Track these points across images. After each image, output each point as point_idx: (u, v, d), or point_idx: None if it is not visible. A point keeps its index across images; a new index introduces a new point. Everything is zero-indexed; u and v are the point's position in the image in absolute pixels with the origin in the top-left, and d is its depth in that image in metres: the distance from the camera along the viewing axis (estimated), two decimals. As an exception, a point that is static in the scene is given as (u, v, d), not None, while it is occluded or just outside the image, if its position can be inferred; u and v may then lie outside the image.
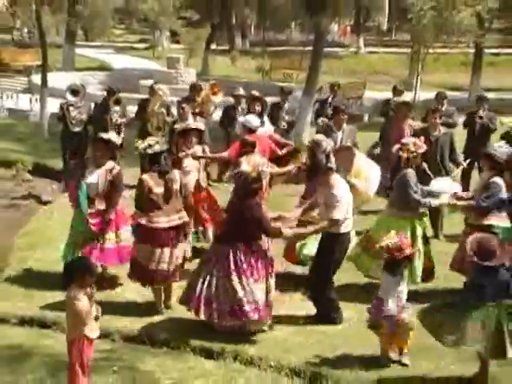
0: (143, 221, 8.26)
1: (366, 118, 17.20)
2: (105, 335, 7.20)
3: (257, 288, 7.69)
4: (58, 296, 7.36)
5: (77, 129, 13.39)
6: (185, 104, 12.67)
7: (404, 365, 7.21)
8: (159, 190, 8.32)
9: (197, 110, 13.33)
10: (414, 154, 8.96)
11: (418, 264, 8.71)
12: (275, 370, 7.13)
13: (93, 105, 14.07)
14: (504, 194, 8.84)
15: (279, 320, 8.13)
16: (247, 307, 7.61)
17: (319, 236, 8.39)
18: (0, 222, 11.69)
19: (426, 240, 8.99)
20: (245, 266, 7.69)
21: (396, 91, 14.88)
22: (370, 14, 50.82)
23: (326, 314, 8.23)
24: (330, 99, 15.42)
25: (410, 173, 8.89)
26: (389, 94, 15.36)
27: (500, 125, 13.05)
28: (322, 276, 8.20)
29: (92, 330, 6.35)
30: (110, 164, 9.03)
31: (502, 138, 11.70)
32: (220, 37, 40.75)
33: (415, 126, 12.42)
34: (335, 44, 42.55)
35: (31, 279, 9.19)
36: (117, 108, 13.50)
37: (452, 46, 28.35)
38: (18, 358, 7.29)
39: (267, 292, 7.81)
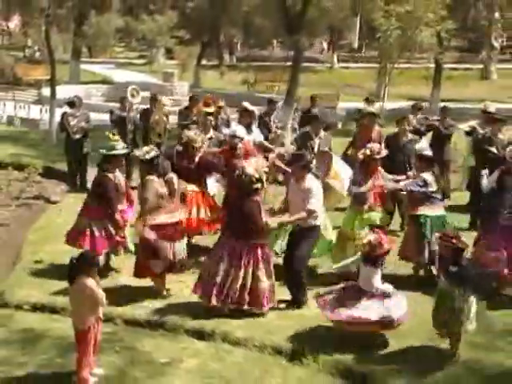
0: (149, 219, 8.26)
1: (339, 125, 17.26)
2: (108, 319, 7.18)
3: (259, 277, 7.77)
4: (67, 284, 7.32)
5: (77, 136, 13.40)
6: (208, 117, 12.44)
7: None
8: (163, 190, 8.35)
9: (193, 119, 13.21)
10: (373, 157, 9.00)
11: None
12: (259, 350, 7.15)
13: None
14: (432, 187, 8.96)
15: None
16: (250, 295, 7.74)
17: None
18: (14, 220, 11.69)
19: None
20: (249, 258, 7.78)
21: (368, 101, 14.92)
22: (343, 34, 50.85)
23: (298, 298, 8.22)
24: (311, 110, 15.36)
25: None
26: (360, 104, 15.40)
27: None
28: (300, 265, 8.18)
29: (101, 313, 6.46)
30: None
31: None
32: (210, 53, 40.68)
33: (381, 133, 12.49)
34: (312, 59, 42.59)
35: (42, 270, 9.17)
36: (133, 100, 13.73)
37: (415, 62, 28.56)
38: (30, 340, 7.28)
39: (267, 280, 7.87)
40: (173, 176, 8.61)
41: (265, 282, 7.84)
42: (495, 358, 7.03)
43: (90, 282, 6.31)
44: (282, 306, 8.14)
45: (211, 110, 13.30)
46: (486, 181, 9.92)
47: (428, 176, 9.00)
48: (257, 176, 7.91)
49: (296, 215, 8.09)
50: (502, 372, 6.75)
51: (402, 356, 7.00)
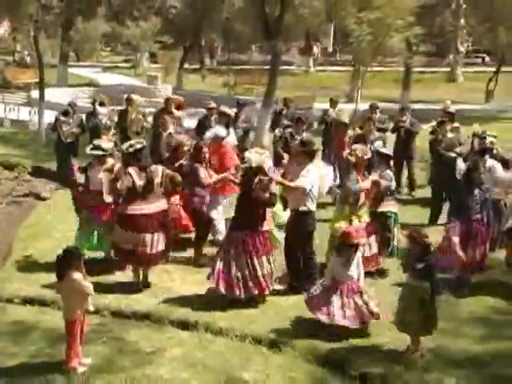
0: (124, 209, 8.21)
1: (315, 125, 17.28)
2: (95, 311, 7.15)
3: (263, 265, 7.89)
4: (55, 279, 7.28)
5: (69, 140, 13.69)
6: (166, 116, 12.42)
7: None
8: (141, 182, 8.28)
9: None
10: (362, 158, 9.01)
11: None
12: (241, 339, 7.15)
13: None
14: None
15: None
16: (259, 282, 7.86)
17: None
18: (4, 217, 11.59)
19: None
20: (254, 247, 7.88)
21: (332, 102, 15.00)
22: (318, 39, 50.94)
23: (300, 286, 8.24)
24: (284, 111, 15.41)
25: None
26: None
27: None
28: (302, 250, 8.26)
29: (91, 305, 6.48)
30: (109, 162, 9.01)
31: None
32: (191, 57, 40.56)
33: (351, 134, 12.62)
34: (289, 63, 42.62)
35: (32, 265, 9.10)
36: (103, 110, 13.74)
37: (386, 66, 28.67)
38: (21, 332, 7.23)
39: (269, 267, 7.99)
40: (158, 169, 8.51)
41: (267, 268, 7.97)
42: (461, 343, 7.10)
43: (77, 275, 6.32)
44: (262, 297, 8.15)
45: (179, 113, 13.37)
46: (462, 165, 9.96)
47: (390, 173, 9.10)
48: (255, 169, 8.00)
49: (294, 183, 8.18)
50: (468, 357, 6.81)
51: (375, 344, 7.04)
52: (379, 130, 12.53)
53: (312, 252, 8.42)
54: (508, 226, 8.77)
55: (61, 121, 13.70)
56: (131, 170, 8.34)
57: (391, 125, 13.65)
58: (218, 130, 10.88)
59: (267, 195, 8.00)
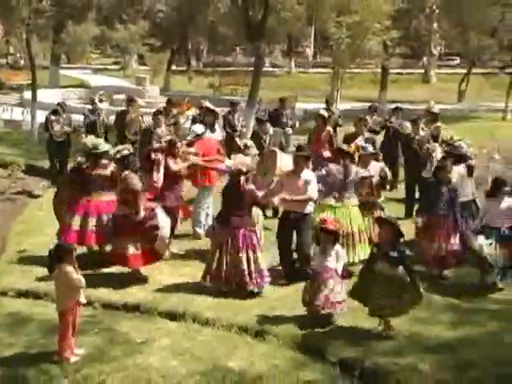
0: (125, 211, 8.19)
1: (297, 124, 17.29)
2: (87, 303, 7.13)
3: (253, 259, 7.93)
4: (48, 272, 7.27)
5: (60, 139, 13.56)
6: (160, 115, 12.40)
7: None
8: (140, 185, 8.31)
9: (172, 121, 13.09)
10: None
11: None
12: (227, 329, 7.16)
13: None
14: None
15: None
16: (248, 275, 7.89)
17: None
18: (-1, 213, 11.52)
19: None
20: (243, 243, 7.90)
21: (328, 102, 15.10)
22: (299, 42, 51.00)
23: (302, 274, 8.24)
24: (280, 110, 15.30)
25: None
26: (315, 105, 15.49)
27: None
28: (308, 249, 8.27)
29: (82, 297, 6.46)
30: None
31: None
32: (178, 59, 40.48)
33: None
34: (272, 65, 42.63)
35: (26, 259, 9.05)
36: (103, 106, 13.74)
37: (364, 67, 28.77)
38: (16, 323, 7.20)
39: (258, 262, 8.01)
40: (131, 174, 8.43)
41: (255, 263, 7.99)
42: (434, 330, 7.17)
43: (69, 268, 6.31)
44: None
45: (191, 112, 13.35)
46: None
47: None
48: (240, 168, 8.02)
49: (301, 196, 8.19)
50: (440, 343, 6.88)
51: (351, 331, 7.09)
52: (371, 131, 12.50)
53: (309, 252, 8.32)
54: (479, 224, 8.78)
55: (51, 120, 13.57)
56: (130, 173, 8.33)
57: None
58: (195, 127, 10.86)
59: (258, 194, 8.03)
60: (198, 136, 10.31)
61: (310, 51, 45.86)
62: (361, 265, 7.94)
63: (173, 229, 9.02)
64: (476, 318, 7.55)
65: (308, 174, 8.41)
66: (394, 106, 15.47)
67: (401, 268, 6.81)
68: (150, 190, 8.86)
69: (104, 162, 8.88)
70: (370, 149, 9.70)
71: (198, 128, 10.68)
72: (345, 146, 9.18)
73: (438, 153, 10.81)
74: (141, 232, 8.12)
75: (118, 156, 8.45)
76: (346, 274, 7.92)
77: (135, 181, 8.26)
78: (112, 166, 8.80)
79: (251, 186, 8.11)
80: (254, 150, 10.02)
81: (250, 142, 10.02)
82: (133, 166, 8.53)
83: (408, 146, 11.75)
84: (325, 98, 15.79)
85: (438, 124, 12.49)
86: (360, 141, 11.09)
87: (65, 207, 8.92)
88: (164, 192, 9.14)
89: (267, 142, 11.67)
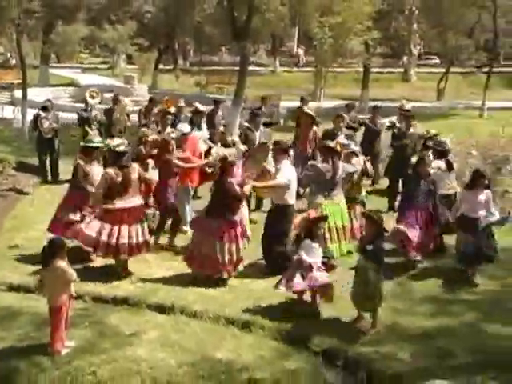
0: (105, 204, 8.16)
1: (281, 121, 17.33)
2: (78, 297, 7.11)
3: (231, 249, 8.00)
4: (39, 267, 7.22)
5: (49, 135, 13.44)
6: (168, 116, 12.25)
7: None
8: (119, 179, 8.23)
9: (153, 119, 13.01)
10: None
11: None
12: (214, 321, 7.16)
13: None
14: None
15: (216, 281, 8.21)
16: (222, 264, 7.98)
17: None
18: (-10, 210, 11.41)
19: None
20: (225, 233, 7.96)
21: (303, 101, 14.99)
22: (283, 41, 50.97)
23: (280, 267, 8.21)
24: (262, 109, 15.32)
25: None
26: (298, 104, 15.43)
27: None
28: (278, 241, 8.29)
29: (73, 290, 6.47)
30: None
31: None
32: (166, 59, 40.27)
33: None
34: (257, 64, 42.55)
35: (17, 254, 8.98)
36: (95, 101, 13.64)
37: (346, 66, 28.78)
38: (8, 317, 7.15)
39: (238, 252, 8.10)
40: (135, 167, 8.49)
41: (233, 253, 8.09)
42: (414, 320, 7.22)
43: (62, 263, 6.31)
44: (235, 282, 8.22)
45: (172, 110, 13.26)
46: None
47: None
48: (221, 157, 8.18)
49: (269, 182, 8.31)
50: (420, 332, 6.94)
51: (334, 322, 7.13)
52: (349, 127, 12.55)
53: (287, 244, 8.35)
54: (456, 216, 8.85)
55: (41, 117, 13.44)
56: (110, 170, 8.30)
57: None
58: (182, 126, 10.84)
59: (238, 189, 8.04)
60: (185, 135, 10.28)
61: (301, 51, 45.76)
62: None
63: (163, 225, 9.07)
64: (454, 309, 7.61)
65: (285, 165, 8.34)
66: (373, 104, 15.52)
67: (373, 264, 6.85)
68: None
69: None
70: (352, 146, 9.74)
71: (185, 127, 10.68)
72: (332, 144, 9.11)
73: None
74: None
75: (117, 149, 8.38)
76: (329, 267, 7.94)
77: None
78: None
79: (232, 180, 8.12)
80: (242, 147, 10.00)
81: (237, 139, 9.98)
82: (127, 162, 8.44)
83: (397, 141, 11.82)
84: (300, 96, 15.74)
85: (412, 121, 12.54)
86: (342, 138, 11.11)
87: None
88: (160, 189, 9.33)
89: (258, 136, 11.64)
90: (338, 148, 9.09)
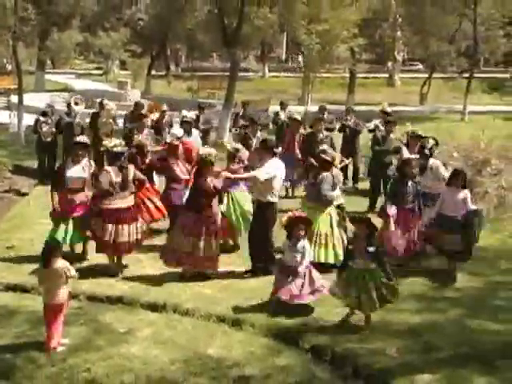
0: (104, 204, 8.11)
1: (270, 126, 17.33)
2: (73, 296, 7.06)
3: (209, 244, 8.03)
4: (36, 267, 7.17)
5: (48, 139, 13.57)
6: (144, 119, 12.23)
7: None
8: (118, 179, 8.22)
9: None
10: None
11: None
12: (205, 318, 7.12)
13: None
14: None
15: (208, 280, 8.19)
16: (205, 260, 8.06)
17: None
18: (-13, 211, 11.32)
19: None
20: (203, 228, 7.99)
21: (283, 105, 15.15)
22: (272, 48, 51.03)
23: (264, 268, 8.24)
24: (241, 113, 15.44)
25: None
26: (290, 108, 15.53)
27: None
28: (263, 238, 8.22)
29: (66, 295, 6.43)
30: (85, 160, 8.80)
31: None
32: (158, 65, 40.25)
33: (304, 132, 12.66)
34: (247, 70, 42.56)
35: (14, 254, 8.92)
36: (78, 109, 13.62)
37: (333, 72, 28.83)
38: (5, 316, 7.10)
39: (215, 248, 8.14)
40: (130, 168, 8.46)
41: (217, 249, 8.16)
42: (402, 317, 7.21)
43: (61, 262, 6.30)
44: (225, 280, 8.18)
45: (156, 115, 13.30)
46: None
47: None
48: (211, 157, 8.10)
49: (243, 175, 8.45)
50: (406, 329, 6.93)
51: (323, 319, 7.10)
52: (327, 129, 12.63)
53: (271, 240, 8.32)
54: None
55: (41, 121, 13.56)
56: (109, 168, 8.25)
57: (338, 125, 13.78)
58: (175, 130, 10.88)
59: (213, 186, 8.05)
60: (179, 139, 10.27)
61: (300, 58, 45.93)
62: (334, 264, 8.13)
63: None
64: (439, 306, 7.62)
65: (270, 165, 8.13)
66: (345, 107, 15.56)
67: (377, 265, 6.79)
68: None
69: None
70: (331, 151, 9.66)
71: (178, 131, 10.71)
72: (330, 156, 8.94)
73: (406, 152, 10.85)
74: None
75: (115, 150, 8.34)
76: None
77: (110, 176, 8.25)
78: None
79: (212, 177, 8.13)
80: (246, 153, 9.90)
81: (240, 146, 9.82)
82: (124, 163, 8.41)
83: (377, 144, 11.83)
84: (279, 101, 15.81)
85: (391, 123, 12.54)
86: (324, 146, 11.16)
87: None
88: (168, 191, 9.44)
89: (254, 143, 11.66)
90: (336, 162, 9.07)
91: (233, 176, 8.47)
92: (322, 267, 8.07)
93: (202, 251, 8.02)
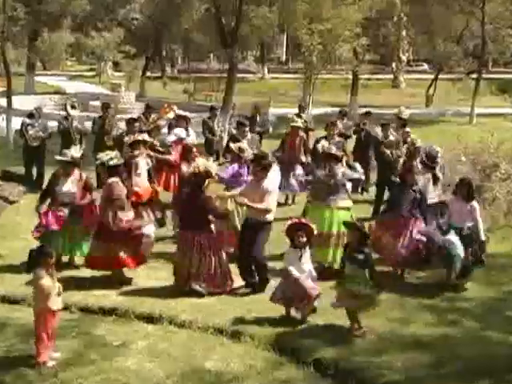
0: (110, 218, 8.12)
1: (270, 129, 17.34)
2: (64, 308, 7.04)
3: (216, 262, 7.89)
4: (25, 277, 7.16)
5: (35, 144, 13.28)
6: (136, 122, 12.26)
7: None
8: (124, 192, 8.27)
9: (151, 126, 12.90)
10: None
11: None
12: (203, 330, 7.11)
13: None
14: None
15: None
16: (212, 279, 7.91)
17: None
18: (-25, 219, 11.29)
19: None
20: (206, 246, 7.84)
21: (301, 108, 15.18)
22: (272, 48, 51.17)
23: (256, 285, 8.17)
24: (256, 117, 15.43)
25: None
26: (287, 111, 15.56)
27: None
28: (258, 253, 8.11)
29: (55, 304, 6.30)
30: (76, 173, 8.80)
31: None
32: (153, 66, 40.38)
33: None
34: (245, 71, 42.65)
35: (2, 264, 8.90)
36: (75, 113, 13.47)
37: (335, 73, 28.91)
38: (-7, 329, 7.08)
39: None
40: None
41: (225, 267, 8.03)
42: (408, 329, 7.19)
43: (41, 273, 6.20)
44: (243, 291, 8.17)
45: (172, 115, 13.25)
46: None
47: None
48: (203, 171, 7.95)
49: (257, 204, 7.91)
50: (413, 341, 6.91)
51: (326, 331, 7.08)
52: (341, 135, 12.58)
53: (264, 258, 8.23)
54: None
55: (27, 123, 13.27)
56: (115, 180, 8.26)
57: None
58: (179, 131, 10.89)
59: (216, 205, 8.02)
60: (182, 140, 10.32)
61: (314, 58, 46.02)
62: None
63: None
64: (449, 317, 7.57)
65: (269, 183, 8.08)
66: (364, 110, 15.56)
67: (364, 272, 6.84)
68: (129, 195, 8.78)
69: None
70: (334, 150, 9.71)
71: (182, 132, 10.75)
72: (333, 150, 9.07)
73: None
74: (127, 239, 8.13)
75: (111, 163, 8.34)
76: (327, 275, 7.96)
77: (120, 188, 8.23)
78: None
79: (210, 195, 8.04)
80: (250, 153, 9.89)
81: (244, 145, 9.76)
82: (121, 174, 8.42)
83: (378, 150, 11.88)
84: (298, 103, 15.83)
85: (407, 129, 12.58)
86: (324, 142, 11.19)
87: None
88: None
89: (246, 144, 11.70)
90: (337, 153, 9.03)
91: (250, 204, 7.99)
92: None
93: (206, 270, 7.88)
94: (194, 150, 9.63)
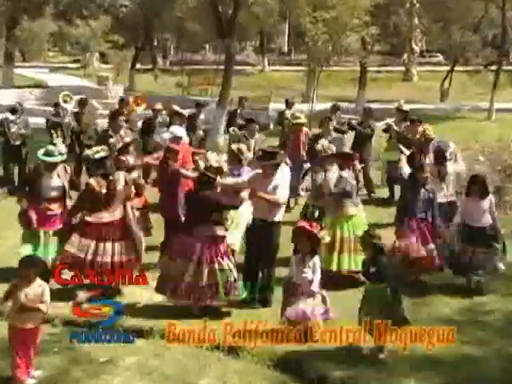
0: (88, 218, 8.10)
1: (271, 126, 17.37)
2: (46, 321, 7.03)
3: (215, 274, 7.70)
4: (4, 287, 7.15)
5: (17, 142, 13.21)
6: (119, 118, 12.25)
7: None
8: (103, 190, 8.19)
9: (120, 144, 12.87)
10: None
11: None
12: (197, 346, 7.07)
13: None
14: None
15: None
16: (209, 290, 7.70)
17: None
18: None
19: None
20: (208, 254, 7.68)
21: (288, 103, 15.12)
22: (272, 38, 51.23)
23: (263, 297, 8.15)
24: (238, 111, 15.47)
25: None
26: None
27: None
28: (269, 262, 8.14)
29: (21, 321, 6.21)
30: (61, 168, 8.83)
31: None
32: (143, 57, 40.40)
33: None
34: (243, 63, 42.69)
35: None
36: (69, 106, 13.53)
37: (341, 65, 28.96)
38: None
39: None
40: (120, 176, 8.43)
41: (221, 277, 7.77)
42: (424, 344, 7.18)
43: (19, 287, 6.20)
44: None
45: (141, 109, 13.24)
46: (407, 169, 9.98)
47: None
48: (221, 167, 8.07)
49: (270, 195, 7.91)
50: (427, 358, 6.89)
51: (331, 346, 7.07)
52: (337, 130, 12.64)
53: (273, 265, 8.24)
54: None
55: (9, 120, 13.17)
56: (92, 180, 8.26)
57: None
58: (175, 129, 10.89)
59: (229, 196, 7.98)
60: (180, 139, 10.33)
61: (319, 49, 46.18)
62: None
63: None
64: (467, 331, 7.55)
65: (280, 178, 8.14)
66: (365, 105, 15.62)
67: (382, 285, 6.86)
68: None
69: None
70: (333, 148, 9.82)
71: (179, 131, 10.75)
72: (347, 150, 9.27)
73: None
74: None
75: (96, 156, 8.35)
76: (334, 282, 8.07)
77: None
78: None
79: (215, 190, 8.05)
80: (250, 155, 9.85)
81: (244, 147, 9.80)
82: (109, 170, 8.38)
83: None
84: (285, 99, 15.84)
85: (408, 123, 12.64)
86: (323, 141, 11.22)
87: None
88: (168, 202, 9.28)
89: (253, 143, 11.73)
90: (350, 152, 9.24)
91: (261, 195, 7.95)
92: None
93: (206, 280, 7.68)
94: (180, 151, 9.61)
